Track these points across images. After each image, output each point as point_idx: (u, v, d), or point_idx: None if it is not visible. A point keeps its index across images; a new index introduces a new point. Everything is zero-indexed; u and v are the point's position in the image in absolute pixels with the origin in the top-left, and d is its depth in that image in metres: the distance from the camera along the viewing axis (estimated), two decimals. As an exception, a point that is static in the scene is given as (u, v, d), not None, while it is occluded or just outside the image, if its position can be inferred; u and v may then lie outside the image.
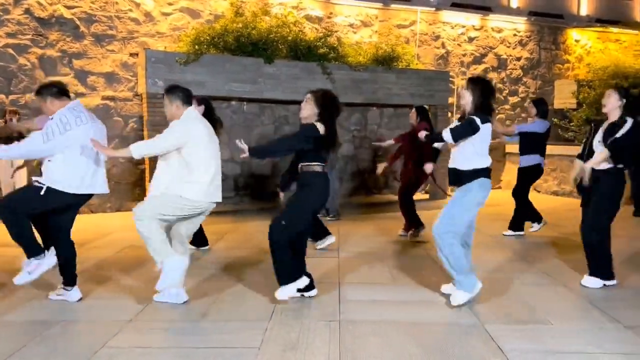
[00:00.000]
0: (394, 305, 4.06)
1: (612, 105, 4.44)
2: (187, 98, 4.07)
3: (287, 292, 3.94)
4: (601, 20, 13.41)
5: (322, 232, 6.02)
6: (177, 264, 3.87)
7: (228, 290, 4.42)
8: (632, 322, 3.66)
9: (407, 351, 3.20)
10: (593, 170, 4.40)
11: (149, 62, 7.86)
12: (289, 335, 3.43)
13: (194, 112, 4.12)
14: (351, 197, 10.22)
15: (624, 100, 4.43)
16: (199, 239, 5.77)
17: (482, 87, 4.03)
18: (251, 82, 8.53)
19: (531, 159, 6.50)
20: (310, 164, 4.00)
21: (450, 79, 11.19)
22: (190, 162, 3.95)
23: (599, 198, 4.43)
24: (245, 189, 9.47)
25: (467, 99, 4.04)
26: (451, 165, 4.15)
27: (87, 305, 4.05)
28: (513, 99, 12.71)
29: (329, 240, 5.99)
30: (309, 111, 4.01)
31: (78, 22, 8.40)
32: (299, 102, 4.22)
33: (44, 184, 3.84)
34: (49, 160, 3.87)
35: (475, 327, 3.60)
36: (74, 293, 4.13)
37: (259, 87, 8.59)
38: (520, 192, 6.62)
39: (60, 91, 4.04)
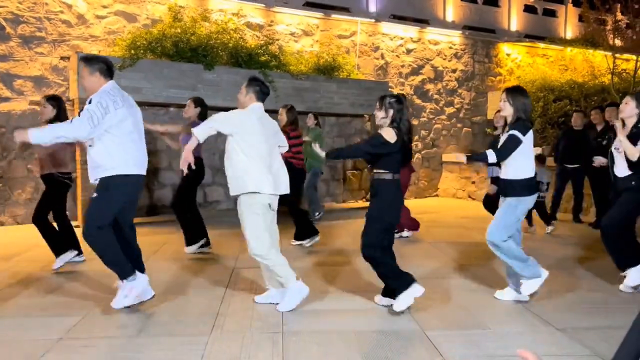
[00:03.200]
0: (337, 314, 4.04)
1: (630, 112, 4.59)
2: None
3: (402, 304, 3.98)
4: (530, 35, 14.14)
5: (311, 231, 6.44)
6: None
7: (166, 303, 4.26)
8: (564, 325, 3.81)
9: (351, 361, 3.19)
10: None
11: (81, 66, 7.52)
12: (231, 350, 3.33)
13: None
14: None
15: None
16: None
17: (521, 96, 4.13)
18: (190, 88, 8.35)
19: None
20: (379, 171, 4.03)
21: (389, 89, 11.42)
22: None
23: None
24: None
25: (509, 110, 4.14)
26: (504, 176, 4.22)
27: (14, 323, 3.78)
28: (449, 110, 13.12)
29: (315, 239, 6.48)
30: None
31: (4, 23, 7.94)
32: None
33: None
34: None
35: (416, 333, 3.64)
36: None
37: (199, 94, 8.37)
38: None
39: (109, 69, 3.99)
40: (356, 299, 4.42)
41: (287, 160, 6.24)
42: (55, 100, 5.27)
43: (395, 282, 4.01)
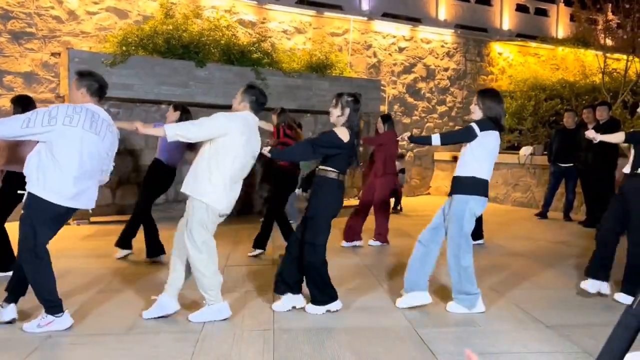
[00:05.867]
0: (327, 312, 4.04)
1: None
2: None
3: (317, 310, 3.94)
4: (521, 34, 14.20)
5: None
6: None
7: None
8: (553, 322, 3.84)
9: (341, 358, 3.19)
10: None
11: (72, 62, 7.47)
12: (222, 347, 3.32)
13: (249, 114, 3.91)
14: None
15: None
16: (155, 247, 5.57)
17: (489, 98, 3.99)
18: (182, 85, 8.31)
19: None
20: (326, 168, 3.94)
21: (382, 87, 11.43)
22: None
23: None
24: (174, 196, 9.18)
25: (477, 113, 4.01)
26: (456, 173, 4.08)
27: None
28: (441, 108, 13.15)
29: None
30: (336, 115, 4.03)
31: (-7, 18, 7.86)
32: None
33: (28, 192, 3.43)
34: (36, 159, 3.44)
35: (407, 331, 3.65)
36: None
37: (190, 91, 8.39)
38: None
39: (100, 89, 3.66)
40: (345, 297, 4.42)
41: (279, 166, 6.02)
42: (18, 102, 5.00)
43: (321, 294, 3.98)
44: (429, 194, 12.83)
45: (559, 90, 12.41)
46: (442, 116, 13.16)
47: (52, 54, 8.32)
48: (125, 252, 5.65)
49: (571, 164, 8.37)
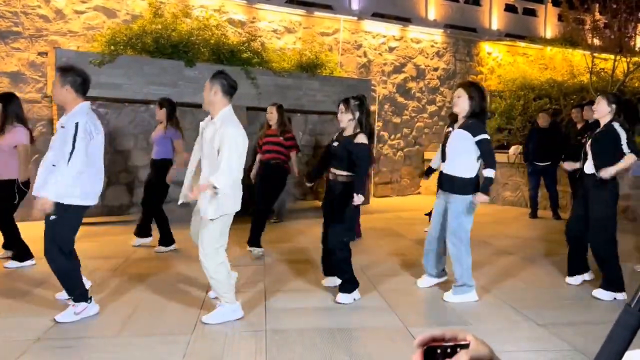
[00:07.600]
0: (320, 312, 4.03)
1: (602, 111, 4.46)
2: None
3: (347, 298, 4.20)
4: (510, 34, 14.27)
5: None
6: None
7: (145, 302, 4.19)
8: (544, 321, 3.85)
9: (333, 359, 3.17)
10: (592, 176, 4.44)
11: (59, 62, 7.38)
12: (213, 349, 3.30)
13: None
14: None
15: (614, 106, 4.44)
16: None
17: (477, 92, 4.18)
18: (171, 85, 8.24)
19: None
20: (343, 173, 4.22)
21: (372, 87, 11.43)
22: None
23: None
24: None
25: (464, 105, 4.17)
26: (451, 172, 4.20)
27: (-13, 325, 3.69)
28: (431, 108, 13.18)
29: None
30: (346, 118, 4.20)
31: (-22, 17, 7.75)
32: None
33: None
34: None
35: (399, 330, 3.65)
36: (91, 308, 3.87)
37: (180, 91, 8.32)
38: None
39: (84, 83, 3.72)
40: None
41: (279, 163, 6.21)
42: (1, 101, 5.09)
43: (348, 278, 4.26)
44: (419, 193, 12.86)
45: (548, 90, 12.48)
46: (432, 115, 13.19)
47: (39, 54, 8.22)
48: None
49: (548, 163, 8.47)
